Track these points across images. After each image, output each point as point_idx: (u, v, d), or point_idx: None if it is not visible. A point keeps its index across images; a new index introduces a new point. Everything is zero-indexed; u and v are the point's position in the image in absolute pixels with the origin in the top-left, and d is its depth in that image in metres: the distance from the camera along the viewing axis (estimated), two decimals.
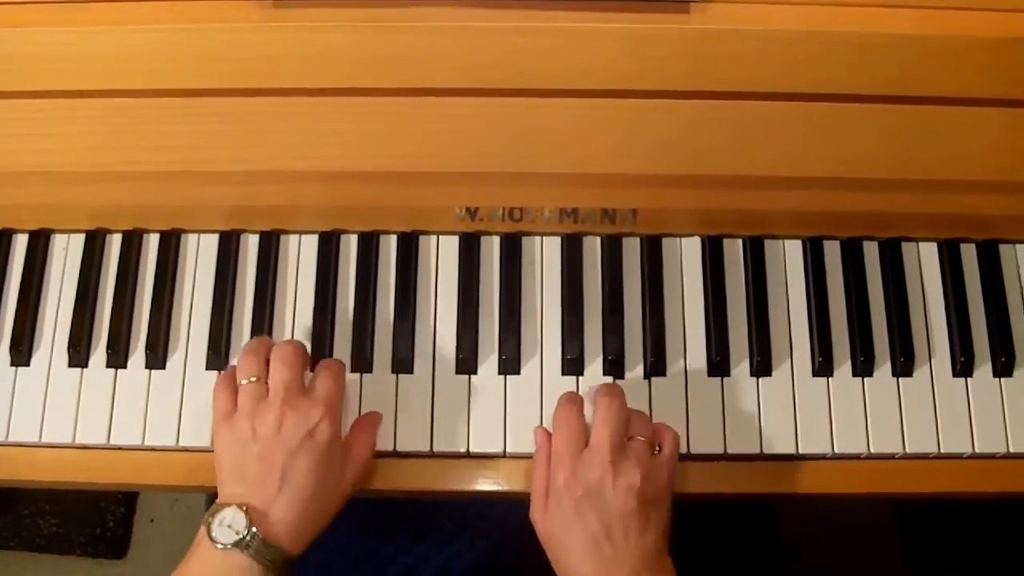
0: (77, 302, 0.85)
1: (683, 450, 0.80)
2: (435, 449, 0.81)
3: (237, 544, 0.69)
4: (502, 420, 0.82)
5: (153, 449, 0.82)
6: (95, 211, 0.86)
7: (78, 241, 0.88)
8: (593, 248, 0.87)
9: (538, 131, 0.79)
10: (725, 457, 0.81)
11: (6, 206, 0.86)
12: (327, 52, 0.77)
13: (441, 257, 0.86)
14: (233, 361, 0.82)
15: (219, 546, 0.69)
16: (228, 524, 0.69)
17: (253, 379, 0.75)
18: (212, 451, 0.79)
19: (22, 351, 0.84)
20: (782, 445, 0.81)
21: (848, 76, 0.77)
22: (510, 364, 0.83)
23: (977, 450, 0.82)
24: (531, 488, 0.76)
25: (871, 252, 0.87)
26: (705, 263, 0.86)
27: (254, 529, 0.69)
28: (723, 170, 0.80)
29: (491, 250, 0.87)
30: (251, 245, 0.87)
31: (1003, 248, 0.88)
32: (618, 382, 0.83)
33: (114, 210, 0.86)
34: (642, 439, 0.74)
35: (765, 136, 0.78)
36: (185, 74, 0.77)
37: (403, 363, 0.83)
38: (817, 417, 0.82)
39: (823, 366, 0.83)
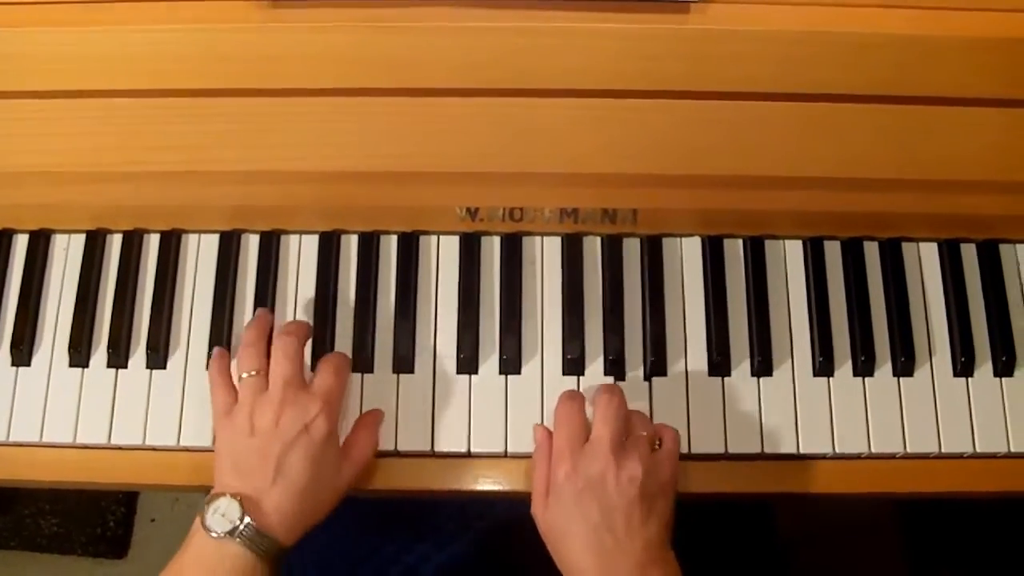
0: (78, 302, 0.85)
1: (684, 450, 0.80)
2: (436, 449, 0.81)
3: (231, 533, 0.69)
4: (503, 420, 0.82)
5: (154, 449, 0.82)
6: (96, 211, 0.86)
7: (79, 241, 0.88)
8: (593, 248, 0.87)
9: (538, 131, 0.79)
10: (726, 457, 0.81)
11: (7, 206, 0.86)
12: (327, 52, 0.77)
13: (442, 257, 0.86)
14: (234, 362, 0.82)
15: (213, 535, 0.69)
16: (222, 513, 0.70)
17: (254, 373, 0.76)
18: (213, 451, 0.79)
19: (23, 351, 0.84)
20: (783, 445, 0.81)
21: (848, 76, 0.77)
22: (511, 364, 0.83)
23: (978, 450, 0.82)
24: (531, 485, 0.76)
25: (871, 252, 0.87)
26: (706, 263, 0.86)
27: (247, 519, 0.70)
28: (723, 170, 0.80)
29: (491, 250, 0.87)
30: (252, 245, 0.87)
31: (1003, 248, 0.88)
32: (619, 382, 0.83)
33: (115, 210, 0.86)
34: (643, 434, 0.75)
35: (765, 136, 0.78)
36: (185, 74, 0.77)
37: (404, 363, 0.83)
38: (818, 417, 0.82)
39: (824, 366, 0.83)
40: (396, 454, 0.82)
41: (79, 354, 0.84)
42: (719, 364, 0.83)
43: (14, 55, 0.77)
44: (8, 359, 0.84)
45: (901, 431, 0.82)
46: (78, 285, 0.86)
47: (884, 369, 0.84)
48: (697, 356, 0.84)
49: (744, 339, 0.84)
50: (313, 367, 0.80)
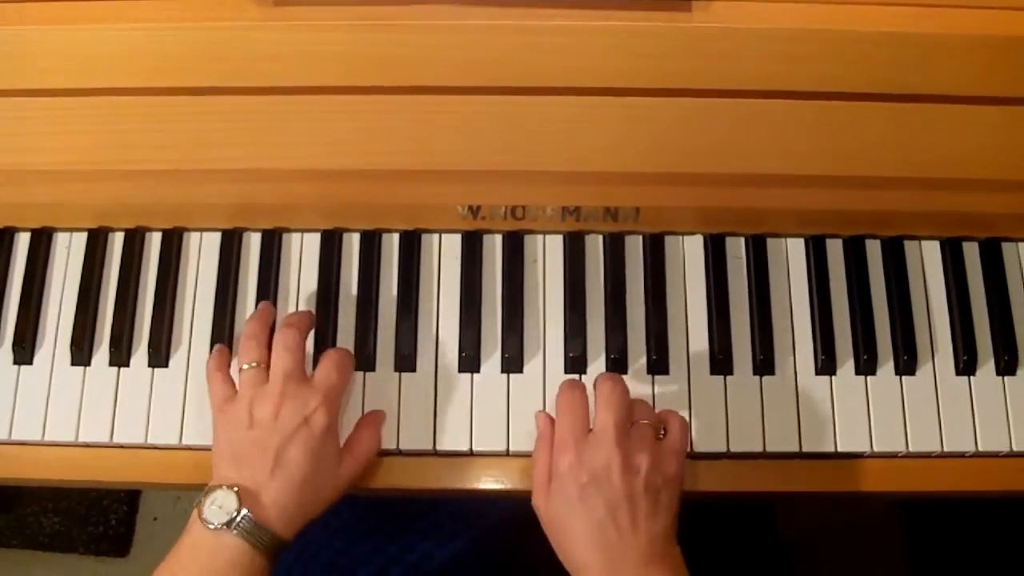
0: (79, 301, 0.85)
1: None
2: (438, 447, 0.81)
3: (228, 525, 0.69)
4: (505, 418, 0.82)
5: (156, 447, 0.82)
6: (97, 209, 0.86)
7: (80, 239, 0.88)
8: (596, 246, 0.87)
9: (540, 129, 0.78)
10: (728, 455, 0.81)
11: (8, 204, 0.86)
12: (328, 50, 0.76)
13: (443, 255, 0.86)
14: (235, 362, 0.82)
15: (210, 527, 0.69)
16: (219, 505, 0.70)
17: (254, 364, 0.76)
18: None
19: (25, 349, 0.84)
20: (785, 443, 0.81)
21: (850, 74, 0.77)
22: (513, 362, 0.83)
23: (980, 449, 0.82)
24: (532, 473, 0.75)
25: (874, 250, 0.87)
26: (708, 261, 0.86)
27: (244, 511, 0.70)
28: (725, 168, 0.80)
29: (493, 248, 0.87)
30: (253, 243, 0.87)
31: (1006, 246, 0.88)
32: None
33: (116, 208, 0.86)
34: (646, 423, 0.73)
35: (767, 134, 0.78)
36: (186, 72, 0.77)
37: (406, 361, 0.83)
38: (820, 416, 0.82)
39: (826, 364, 0.83)
40: (398, 453, 0.82)
41: (81, 352, 0.84)
42: (721, 362, 0.83)
43: (15, 54, 0.77)
44: (10, 357, 0.84)
45: (903, 430, 0.82)
46: (80, 283, 0.86)
47: (886, 368, 0.84)
48: (699, 354, 0.83)
49: (746, 337, 0.84)
50: (315, 364, 0.80)
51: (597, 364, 0.83)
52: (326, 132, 0.79)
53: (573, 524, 0.71)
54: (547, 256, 0.86)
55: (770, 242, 0.87)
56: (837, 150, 0.79)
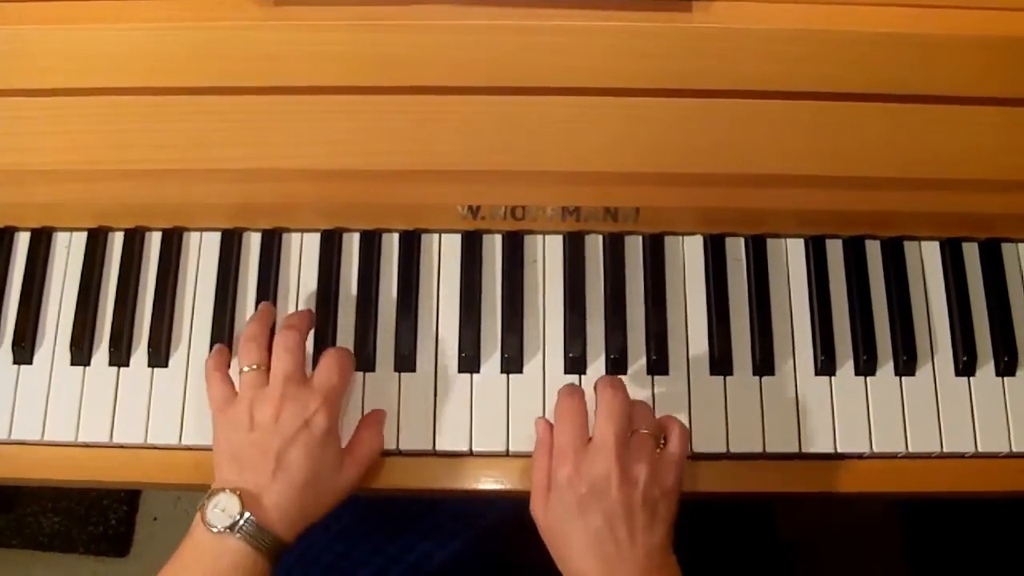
0: (79, 300, 0.85)
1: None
2: (437, 448, 0.81)
3: (231, 528, 0.70)
4: (505, 419, 0.82)
5: (156, 447, 0.82)
6: (97, 209, 0.86)
7: (80, 239, 0.88)
8: (595, 246, 0.86)
9: (540, 129, 0.78)
10: (728, 456, 0.81)
11: (8, 204, 0.86)
12: (328, 50, 0.76)
13: (443, 255, 0.86)
14: (234, 363, 0.82)
15: (213, 530, 0.70)
16: (222, 508, 0.70)
17: (254, 367, 0.76)
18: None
19: (24, 349, 0.84)
20: (785, 444, 0.81)
21: (850, 74, 0.77)
22: (512, 363, 0.83)
23: (980, 449, 0.82)
24: (531, 481, 0.75)
25: (873, 251, 0.87)
26: (707, 261, 0.86)
27: (248, 514, 0.70)
28: (725, 168, 0.80)
29: (493, 248, 0.87)
30: (253, 243, 0.87)
31: (1005, 247, 0.88)
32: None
33: (116, 208, 0.86)
34: (646, 432, 0.73)
35: (767, 134, 0.78)
36: (186, 72, 0.77)
37: (405, 361, 0.83)
38: (819, 416, 0.82)
39: (826, 365, 0.83)
40: (398, 453, 0.82)
41: (81, 352, 0.84)
42: (721, 363, 0.83)
43: (15, 53, 0.77)
44: (10, 357, 0.84)
45: (903, 430, 0.82)
46: (79, 283, 0.86)
47: (886, 368, 0.84)
48: (699, 355, 0.83)
49: (746, 338, 0.84)
50: (315, 364, 0.80)
51: (597, 364, 0.83)
52: (326, 132, 0.79)
53: (571, 534, 0.71)
54: (547, 256, 0.86)
55: (770, 242, 0.87)
56: (837, 150, 0.79)
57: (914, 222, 0.86)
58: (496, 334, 0.84)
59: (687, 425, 0.81)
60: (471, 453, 0.82)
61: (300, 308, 0.85)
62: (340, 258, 0.86)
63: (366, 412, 0.82)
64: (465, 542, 0.93)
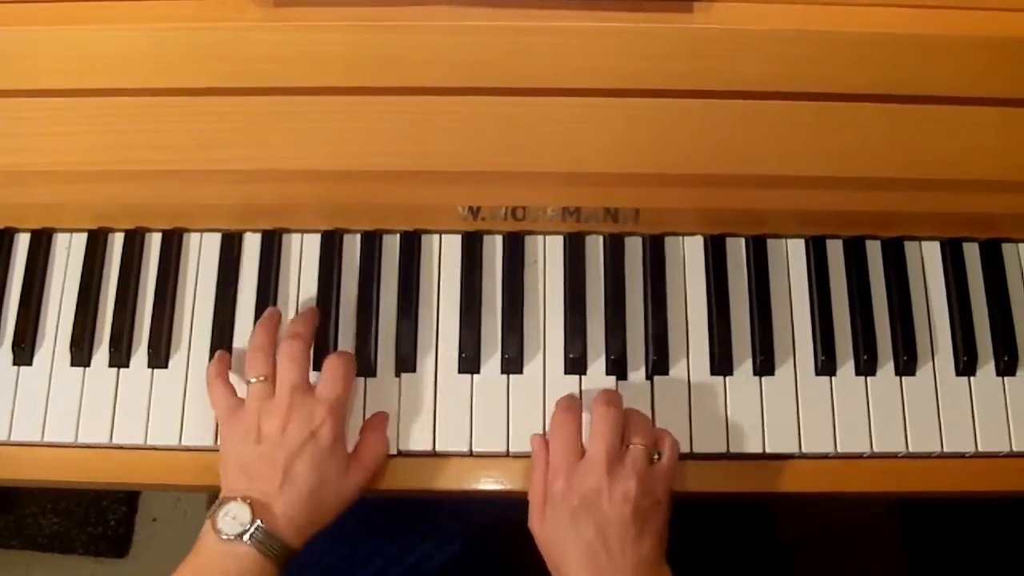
0: (79, 301, 0.85)
1: (685, 449, 0.80)
2: (438, 448, 0.81)
3: (241, 535, 0.70)
4: (505, 419, 0.82)
5: (155, 449, 0.82)
6: (97, 210, 0.86)
7: (80, 240, 0.88)
8: (596, 247, 0.86)
9: (540, 130, 0.78)
10: (727, 456, 0.81)
11: (8, 205, 0.86)
12: (328, 51, 0.76)
13: (444, 256, 0.86)
14: (233, 374, 0.82)
15: (224, 537, 0.70)
16: (233, 516, 0.71)
17: (261, 378, 0.77)
18: (214, 451, 0.80)
19: (24, 350, 0.84)
20: (785, 444, 0.81)
21: (851, 75, 0.77)
22: (513, 363, 0.83)
23: (980, 449, 0.82)
24: (529, 496, 0.77)
25: (874, 251, 0.87)
26: (708, 262, 0.86)
27: (258, 522, 0.71)
28: (726, 169, 0.80)
29: (494, 249, 0.87)
30: (253, 244, 0.87)
31: (1006, 247, 0.88)
32: (620, 382, 0.83)
33: (116, 209, 0.86)
34: (641, 446, 0.75)
35: (768, 135, 0.78)
36: (186, 73, 0.77)
37: (406, 362, 0.83)
38: (820, 416, 0.82)
39: (826, 365, 0.83)
40: (398, 454, 0.82)
41: (81, 353, 0.84)
42: (721, 363, 0.83)
43: (15, 54, 0.77)
44: (9, 358, 0.84)
45: (903, 430, 0.82)
46: (80, 284, 0.86)
47: (886, 368, 0.84)
48: (699, 355, 0.83)
49: (746, 338, 0.84)
50: (316, 366, 0.80)
51: (597, 365, 0.83)
52: (326, 133, 0.79)
53: (565, 546, 0.72)
54: (547, 257, 0.86)
55: (770, 243, 0.87)
56: (837, 151, 0.79)
57: (915, 222, 0.86)
58: (496, 335, 0.84)
59: (687, 425, 0.81)
60: (471, 454, 0.82)
61: (300, 309, 0.85)
62: (340, 259, 0.86)
63: (367, 414, 0.82)
64: (465, 543, 0.94)
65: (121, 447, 0.82)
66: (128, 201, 0.84)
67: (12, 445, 0.83)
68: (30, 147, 0.80)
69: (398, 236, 0.87)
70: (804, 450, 0.81)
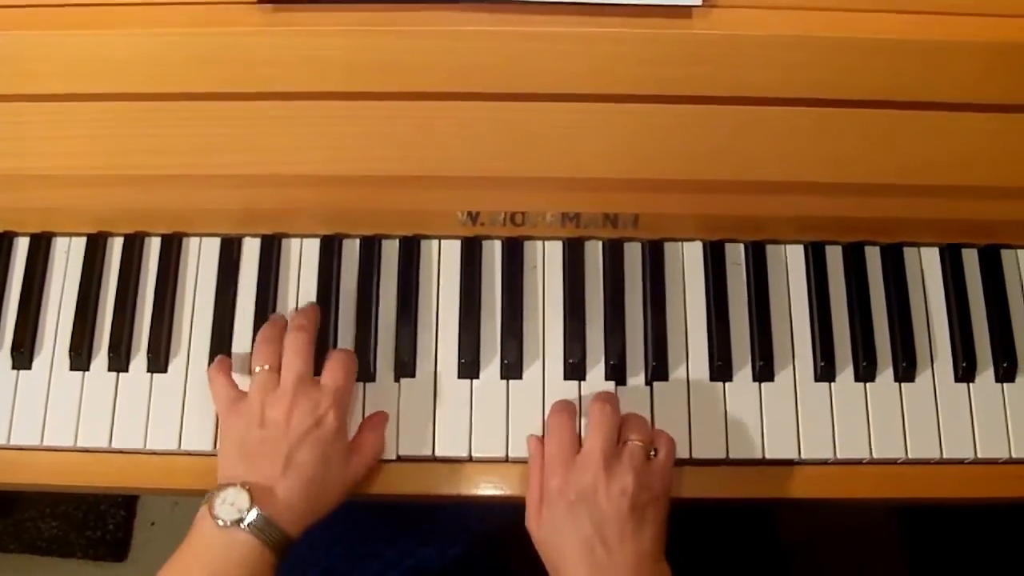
0: (78, 306, 0.85)
1: (685, 455, 0.80)
2: (437, 453, 0.81)
3: (239, 522, 0.70)
4: (504, 424, 0.82)
5: (154, 453, 0.82)
6: (96, 214, 0.86)
7: (80, 244, 0.87)
8: (595, 252, 0.86)
9: (540, 135, 0.78)
10: (727, 462, 0.81)
11: (7, 209, 0.86)
12: (327, 56, 0.76)
13: (443, 261, 0.86)
14: (236, 364, 0.82)
15: (220, 523, 0.70)
16: (230, 503, 0.71)
17: (266, 367, 0.77)
18: (214, 455, 0.80)
19: (24, 354, 0.84)
20: (784, 450, 0.81)
21: (850, 81, 0.77)
22: (512, 368, 0.83)
23: (979, 455, 0.81)
24: (526, 496, 0.77)
25: (873, 257, 0.87)
26: (707, 268, 0.86)
27: (256, 508, 0.70)
28: (725, 175, 0.80)
29: (493, 254, 0.87)
30: (253, 249, 0.87)
31: (1005, 253, 0.88)
32: (620, 387, 0.83)
33: (115, 213, 0.86)
34: (638, 443, 0.75)
35: (767, 141, 0.78)
36: (185, 78, 0.77)
37: (405, 367, 0.83)
38: (819, 422, 0.82)
39: (825, 371, 0.83)
40: (397, 458, 0.82)
41: (80, 358, 0.84)
42: (720, 369, 0.83)
43: (15, 58, 0.77)
44: (9, 362, 0.84)
45: (902, 436, 0.82)
46: (79, 288, 0.86)
47: (885, 374, 0.83)
48: (698, 361, 0.83)
49: (745, 344, 0.84)
50: (315, 372, 0.80)
51: (596, 370, 0.83)
52: (325, 137, 0.79)
53: (563, 542, 0.72)
54: (546, 262, 0.86)
55: (769, 249, 0.87)
56: (836, 157, 0.79)
57: (914, 228, 0.86)
58: (496, 340, 0.84)
59: (687, 431, 0.81)
60: (471, 459, 0.82)
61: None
62: (340, 264, 0.86)
63: (370, 414, 0.82)
64: (464, 548, 0.93)
65: (120, 451, 0.82)
66: (127, 205, 0.84)
67: (11, 449, 0.83)
68: (29, 151, 0.80)
69: (397, 241, 0.87)
70: (804, 456, 0.81)
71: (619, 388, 0.82)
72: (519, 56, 0.76)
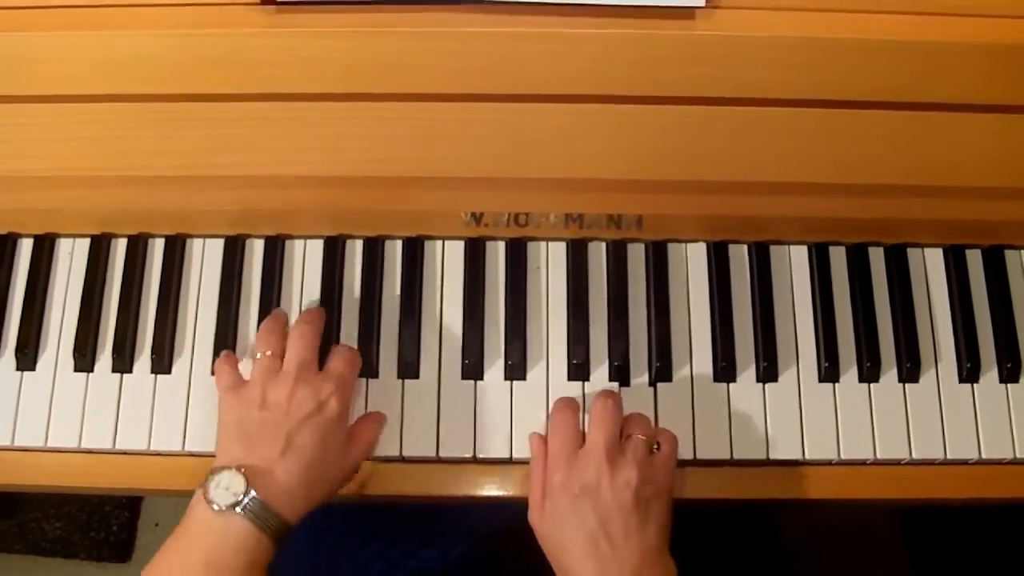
0: (82, 307, 0.85)
1: (689, 455, 0.80)
2: (441, 454, 0.81)
3: (234, 507, 0.68)
4: (508, 425, 0.82)
5: (158, 454, 0.82)
6: (100, 216, 0.86)
7: (83, 246, 0.88)
8: (599, 253, 0.86)
9: (543, 136, 0.78)
10: (731, 463, 0.81)
11: (11, 210, 0.86)
12: (330, 57, 0.76)
13: (446, 262, 0.86)
14: (239, 365, 0.82)
15: (215, 508, 0.68)
16: (226, 486, 0.69)
17: (268, 353, 0.76)
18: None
19: (27, 356, 0.84)
20: (788, 451, 0.81)
21: (853, 82, 0.76)
22: (516, 369, 0.83)
23: (983, 456, 0.81)
24: (528, 492, 0.76)
25: (877, 258, 0.87)
26: (711, 269, 0.86)
27: (252, 492, 0.69)
28: (728, 176, 0.80)
29: (496, 255, 0.87)
30: (256, 250, 0.87)
31: (1008, 254, 0.88)
32: (623, 388, 0.83)
33: (119, 215, 0.86)
34: (641, 437, 0.75)
35: (770, 142, 0.78)
36: (188, 79, 0.77)
37: (409, 368, 0.83)
38: (823, 423, 0.82)
39: (829, 372, 0.83)
40: (401, 459, 0.82)
41: (84, 359, 0.84)
42: (724, 370, 0.83)
43: (18, 59, 0.77)
44: (13, 364, 0.84)
45: (906, 437, 0.82)
46: (83, 290, 0.86)
47: (889, 375, 0.83)
48: (702, 362, 0.83)
49: (749, 345, 0.84)
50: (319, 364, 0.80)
51: (600, 371, 0.83)
52: (327, 139, 0.79)
53: (567, 537, 0.72)
54: (550, 263, 0.86)
55: (773, 249, 0.87)
56: (839, 158, 0.79)
57: (917, 229, 0.86)
58: (499, 341, 0.84)
59: (691, 431, 0.81)
60: (475, 460, 0.82)
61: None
62: (343, 265, 0.86)
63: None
64: (467, 548, 0.93)
65: (124, 452, 0.82)
66: (131, 206, 0.84)
67: (15, 450, 0.83)
68: (32, 152, 0.80)
69: (401, 242, 0.87)
70: (807, 457, 0.81)
71: (623, 389, 0.82)
72: (521, 57, 0.76)
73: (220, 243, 0.87)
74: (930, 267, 0.87)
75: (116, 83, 0.78)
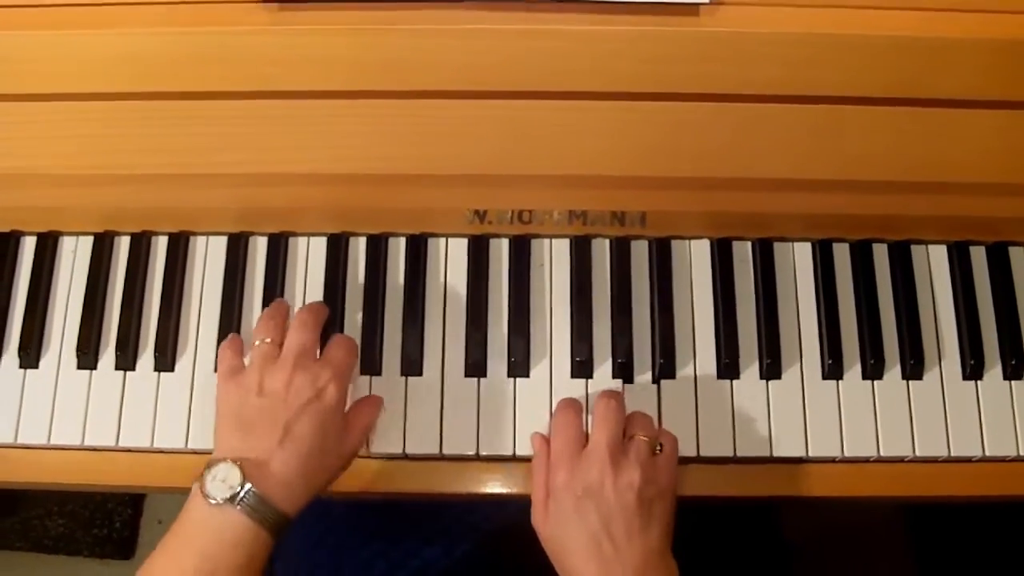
0: (85, 305, 0.85)
1: (692, 453, 0.80)
2: (444, 451, 0.81)
3: (231, 500, 0.67)
4: (511, 422, 0.82)
5: (161, 451, 0.82)
6: (103, 213, 0.86)
7: (86, 243, 0.88)
8: (602, 250, 0.86)
9: (546, 133, 0.78)
10: (734, 460, 0.81)
11: (13, 208, 0.86)
12: (333, 54, 0.76)
13: (450, 260, 0.86)
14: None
15: (212, 502, 0.68)
16: (222, 479, 0.68)
17: (267, 340, 0.76)
18: None
19: (31, 353, 0.84)
20: (791, 448, 0.81)
21: (857, 78, 0.76)
22: (519, 366, 0.83)
23: (987, 453, 0.81)
24: (531, 493, 0.76)
25: (880, 255, 0.87)
26: (714, 265, 0.86)
27: (248, 485, 0.68)
28: (732, 172, 0.79)
29: (500, 253, 0.87)
30: (260, 247, 0.87)
31: (1013, 251, 0.88)
32: (627, 385, 0.83)
33: (122, 212, 0.86)
34: (643, 438, 0.74)
35: (774, 138, 0.78)
36: (191, 77, 0.77)
37: (412, 365, 0.83)
38: (827, 420, 0.82)
39: (833, 369, 0.83)
40: (404, 457, 0.82)
41: (87, 356, 0.84)
42: (728, 367, 0.83)
43: (19, 58, 0.77)
44: (16, 361, 0.84)
45: (910, 434, 0.82)
46: (86, 287, 0.86)
47: (893, 372, 0.83)
48: (706, 359, 0.83)
49: (753, 342, 0.84)
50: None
51: (604, 368, 0.83)
52: (332, 136, 0.79)
53: (570, 538, 0.71)
54: (553, 260, 0.86)
55: (777, 246, 0.87)
56: (843, 154, 0.79)
57: (921, 226, 0.86)
58: (503, 338, 0.84)
59: (694, 429, 0.81)
60: (478, 457, 0.82)
61: None
62: (347, 262, 0.86)
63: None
64: (470, 547, 0.93)
65: (127, 450, 0.82)
66: (133, 205, 0.84)
67: (19, 448, 0.83)
68: (36, 151, 0.80)
69: (404, 240, 0.87)
70: (811, 454, 0.81)
71: (626, 386, 0.82)
72: (525, 54, 0.76)
73: (223, 241, 0.87)
74: (934, 264, 0.87)
75: (117, 81, 0.78)
